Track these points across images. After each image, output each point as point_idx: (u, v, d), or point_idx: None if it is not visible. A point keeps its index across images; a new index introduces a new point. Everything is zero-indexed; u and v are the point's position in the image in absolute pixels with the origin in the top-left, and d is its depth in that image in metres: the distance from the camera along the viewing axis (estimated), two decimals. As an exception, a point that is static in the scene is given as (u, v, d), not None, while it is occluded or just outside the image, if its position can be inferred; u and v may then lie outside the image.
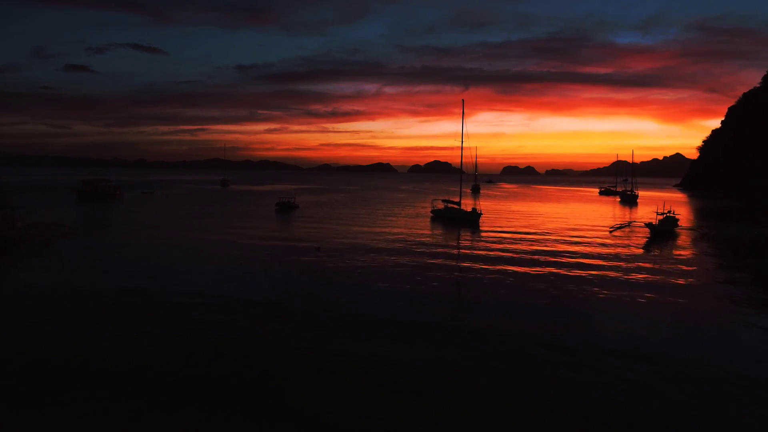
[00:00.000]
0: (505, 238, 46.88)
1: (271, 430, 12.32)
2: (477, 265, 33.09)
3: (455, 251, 39.25)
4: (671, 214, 58.11)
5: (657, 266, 34.05)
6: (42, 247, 37.43)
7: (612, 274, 31.09)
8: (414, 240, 44.38)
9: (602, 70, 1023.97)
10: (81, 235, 44.20)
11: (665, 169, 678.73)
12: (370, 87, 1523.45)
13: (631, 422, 12.87)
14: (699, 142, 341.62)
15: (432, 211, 69.99)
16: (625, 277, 30.32)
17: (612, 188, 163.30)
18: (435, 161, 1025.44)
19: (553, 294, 25.72)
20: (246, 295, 24.37)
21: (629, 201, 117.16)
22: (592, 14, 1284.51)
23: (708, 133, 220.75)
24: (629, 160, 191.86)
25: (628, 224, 61.04)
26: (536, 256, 36.58)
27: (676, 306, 24.10)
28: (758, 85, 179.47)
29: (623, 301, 24.56)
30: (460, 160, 68.09)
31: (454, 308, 23.56)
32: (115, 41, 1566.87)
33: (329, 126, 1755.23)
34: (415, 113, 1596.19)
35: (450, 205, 67.28)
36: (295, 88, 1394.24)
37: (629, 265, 34.15)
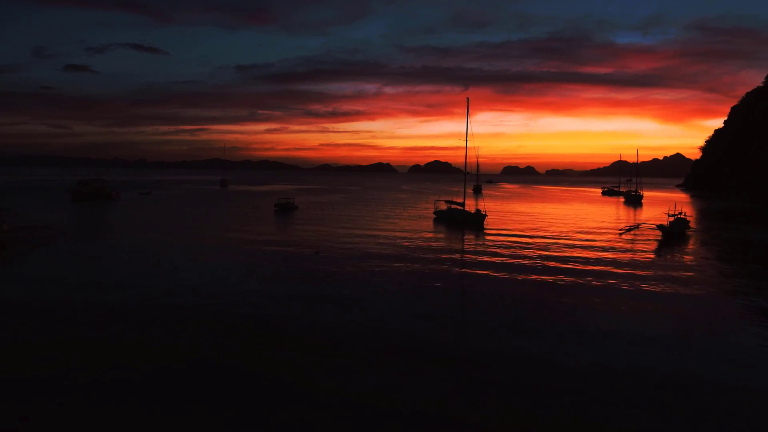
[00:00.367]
0: (511, 241, 44.99)
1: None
2: (484, 273, 31.23)
3: (460, 257, 37.42)
4: (682, 216, 56.32)
5: (675, 274, 32.18)
6: (26, 251, 35.55)
7: (629, 283, 29.22)
8: (417, 245, 42.49)
9: (602, 70, 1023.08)
10: (69, 237, 42.37)
11: (665, 169, 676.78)
12: (370, 87, 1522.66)
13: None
14: (699, 142, 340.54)
15: (435, 212, 68.16)
16: (644, 286, 28.46)
17: (615, 188, 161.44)
18: (435, 161, 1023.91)
19: (567, 307, 23.86)
20: (237, 310, 22.45)
21: (634, 201, 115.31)
22: (592, 14, 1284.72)
23: (708, 132, 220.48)
24: (633, 160, 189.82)
25: (637, 226, 59.21)
26: (547, 263, 34.66)
27: (703, 324, 22.23)
28: (761, 85, 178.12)
29: (642, 315, 22.70)
30: (461, 160, 66.50)
31: (460, 326, 21.55)
32: (115, 41, 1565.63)
33: (329, 126, 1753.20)
34: (415, 113, 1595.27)
35: (453, 206, 65.46)
36: (295, 88, 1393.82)
37: (646, 272, 32.31)
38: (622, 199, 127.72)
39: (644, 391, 14.66)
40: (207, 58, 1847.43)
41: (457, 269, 32.60)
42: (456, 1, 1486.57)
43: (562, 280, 29.17)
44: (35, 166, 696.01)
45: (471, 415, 13.11)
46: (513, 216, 72.90)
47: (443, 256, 36.76)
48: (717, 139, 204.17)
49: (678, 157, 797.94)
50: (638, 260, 36.52)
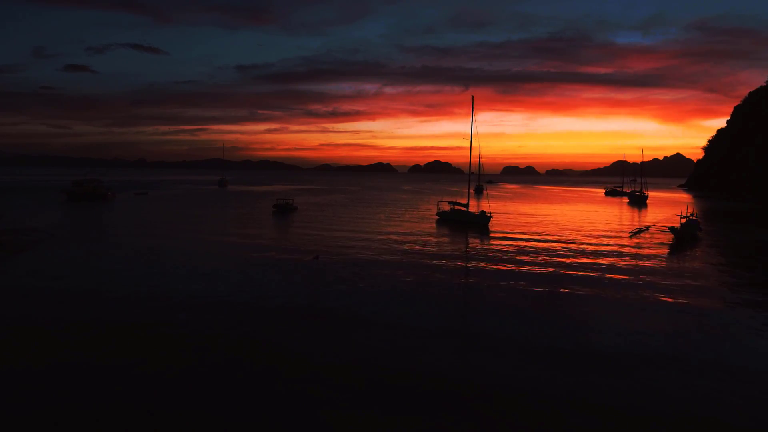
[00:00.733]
0: (518, 246, 43.08)
1: None
2: (492, 284, 29.30)
3: (465, 263, 35.51)
4: (693, 218, 54.52)
5: (698, 283, 30.34)
6: (7, 257, 33.62)
7: (648, 293, 27.35)
8: (420, 250, 40.55)
9: (602, 70, 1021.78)
10: (56, 241, 40.48)
11: (665, 169, 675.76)
12: (370, 87, 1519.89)
13: None
14: (699, 142, 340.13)
15: (438, 213, 66.31)
16: (664, 299, 26.60)
17: (618, 188, 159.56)
18: (435, 161, 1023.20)
19: (585, 324, 22.00)
20: (226, 326, 20.57)
21: (638, 202, 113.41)
22: (592, 14, 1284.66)
23: (708, 132, 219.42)
24: (637, 160, 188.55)
25: (647, 228, 57.45)
26: (558, 270, 32.72)
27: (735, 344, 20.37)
28: (765, 84, 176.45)
29: (676, 336, 20.85)
30: (461, 160, 65.49)
31: (467, 350, 19.69)
32: (115, 41, 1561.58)
33: (329, 126, 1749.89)
34: (415, 113, 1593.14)
35: (457, 207, 63.62)
36: (295, 88, 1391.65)
37: (665, 281, 30.47)
38: (625, 200, 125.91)
39: None
40: (207, 58, 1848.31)
41: (464, 279, 30.76)
42: (456, 1, 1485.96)
43: (579, 292, 27.28)
44: (35, 166, 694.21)
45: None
46: (518, 217, 71.00)
47: (448, 264, 34.86)
48: (720, 138, 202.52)
49: (678, 157, 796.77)
50: (657, 268, 34.59)
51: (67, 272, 29.20)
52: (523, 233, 51.50)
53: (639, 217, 76.86)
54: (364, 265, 33.00)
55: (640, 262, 35.90)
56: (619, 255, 38.94)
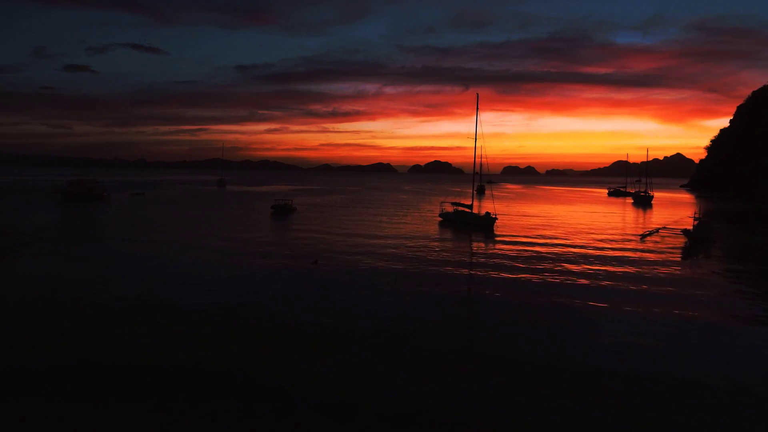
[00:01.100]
0: (526, 250, 41.23)
1: None
2: (499, 295, 27.42)
3: (470, 271, 33.70)
4: (704, 219, 52.83)
5: (715, 294, 28.54)
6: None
7: (667, 307, 25.53)
8: (423, 256, 38.62)
9: (602, 70, 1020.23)
10: (45, 245, 38.66)
11: (666, 169, 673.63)
12: (370, 87, 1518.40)
13: None
14: (699, 142, 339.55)
15: (440, 215, 64.56)
16: (690, 314, 24.80)
17: (622, 189, 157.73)
18: (435, 161, 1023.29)
19: (606, 346, 20.21)
20: (216, 335, 18.78)
21: (643, 203, 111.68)
22: (592, 14, 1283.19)
23: (708, 132, 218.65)
24: (638, 159, 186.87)
25: (658, 230, 55.70)
26: (569, 278, 30.77)
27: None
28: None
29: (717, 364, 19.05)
30: (461, 160, 67.57)
31: (466, 380, 17.92)
32: (115, 41, 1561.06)
33: (329, 126, 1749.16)
34: (415, 113, 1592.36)
35: (460, 208, 61.85)
36: (295, 88, 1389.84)
37: (686, 291, 28.68)
38: (629, 200, 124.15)
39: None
40: (207, 58, 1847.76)
41: (469, 287, 29.00)
42: (456, 1, 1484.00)
43: (595, 305, 25.47)
44: (35, 166, 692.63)
45: None
46: (522, 219, 69.17)
47: (453, 270, 33.05)
48: (722, 138, 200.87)
49: (678, 158, 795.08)
50: (675, 275, 32.70)
51: (52, 280, 27.31)
52: (530, 236, 49.63)
53: (645, 218, 75.10)
54: (364, 272, 31.16)
55: (656, 269, 34.07)
56: (632, 262, 36.98)
